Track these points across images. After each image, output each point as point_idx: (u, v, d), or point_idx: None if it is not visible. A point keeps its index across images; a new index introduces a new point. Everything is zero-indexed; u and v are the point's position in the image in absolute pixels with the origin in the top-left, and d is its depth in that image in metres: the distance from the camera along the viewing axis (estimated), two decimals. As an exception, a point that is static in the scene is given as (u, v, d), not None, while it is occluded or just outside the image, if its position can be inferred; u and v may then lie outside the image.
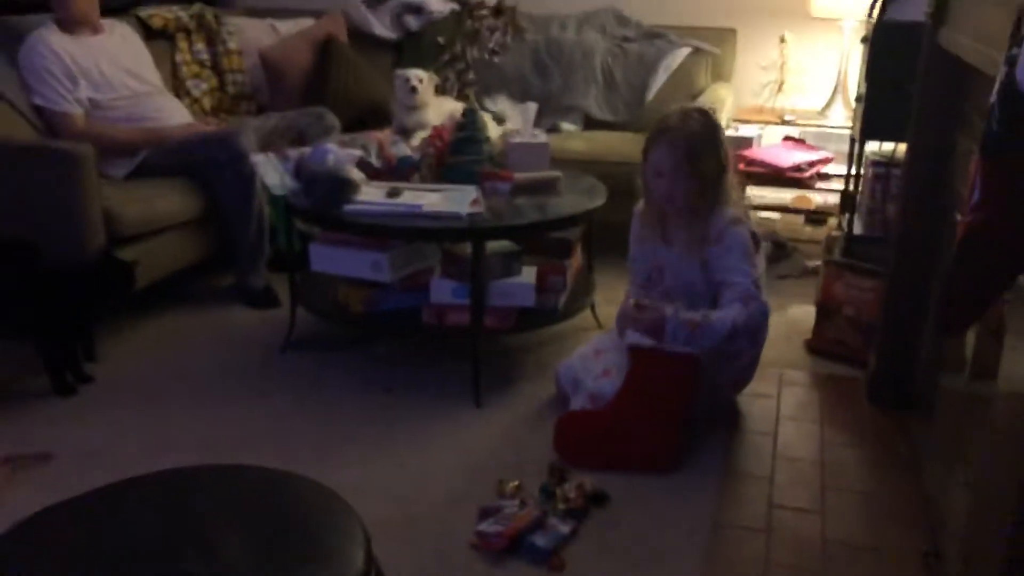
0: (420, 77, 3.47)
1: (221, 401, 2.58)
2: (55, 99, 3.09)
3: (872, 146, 3.16)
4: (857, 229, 3.09)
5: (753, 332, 2.37)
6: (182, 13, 3.95)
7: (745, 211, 2.42)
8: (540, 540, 1.93)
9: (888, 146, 3.07)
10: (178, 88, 3.77)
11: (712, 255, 2.37)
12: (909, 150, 2.50)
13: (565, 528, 1.98)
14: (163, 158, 3.16)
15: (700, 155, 2.31)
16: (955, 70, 2.17)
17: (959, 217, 1.72)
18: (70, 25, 3.18)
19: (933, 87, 2.34)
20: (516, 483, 2.15)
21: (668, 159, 2.33)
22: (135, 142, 3.19)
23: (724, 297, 2.35)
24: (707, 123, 2.36)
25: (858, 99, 3.17)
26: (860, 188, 3.20)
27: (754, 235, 2.40)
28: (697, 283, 2.41)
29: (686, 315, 2.30)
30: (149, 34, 3.74)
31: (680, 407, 2.30)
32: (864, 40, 3.13)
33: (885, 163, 2.96)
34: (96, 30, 3.28)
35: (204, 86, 3.90)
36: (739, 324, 2.29)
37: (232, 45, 4.03)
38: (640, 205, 2.55)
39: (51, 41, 3.12)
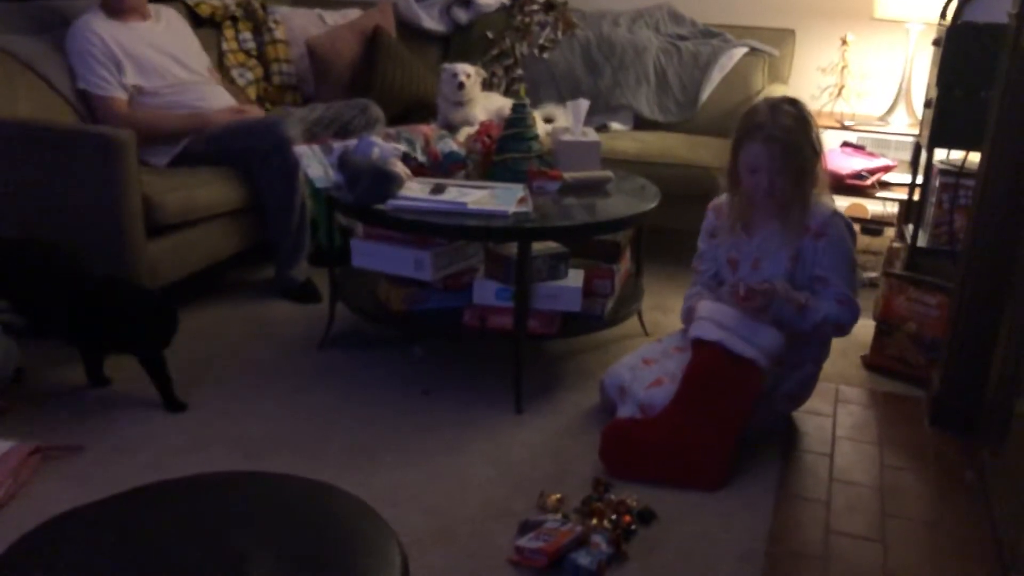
0: (468, 72, 3.39)
1: (255, 397, 2.51)
2: (100, 84, 3.06)
3: (939, 154, 3.01)
4: (921, 241, 2.94)
5: (833, 332, 2.34)
6: (229, 1, 3.90)
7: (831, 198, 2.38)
8: (583, 559, 1.83)
9: (956, 154, 2.92)
10: (223, 77, 3.72)
11: (810, 249, 2.31)
12: (985, 159, 2.36)
13: (609, 547, 1.88)
14: (205, 145, 3.10)
15: (798, 148, 2.25)
16: (1041, 75, 2.03)
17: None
18: (117, 11, 3.14)
19: (1015, 92, 2.20)
20: (558, 496, 2.06)
21: (765, 155, 2.25)
22: (178, 128, 3.14)
23: (819, 293, 2.30)
24: (799, 115, 2.28)
25: (927, 104, 3.03)
26: (925, 198, 3.05)
27: (848, 225, 2.35)
28: (776, 275, 2.32)
29: (793, 294, 2.26)
30: (196, 22, 3.70)
31: (738, 419, 2.19)
32: (936, 43, 2.98)
33: (955, 172, 2.81)
34: (144, 16, 3.24)
35: (249, 75, 3.85)
36: (831, 318, 2.27)
37: (279, 34, 3.98)
38: (719, 200, 2.48)
39: (97, 26, 3.09)
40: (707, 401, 2.17)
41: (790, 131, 2.24)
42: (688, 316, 2.40)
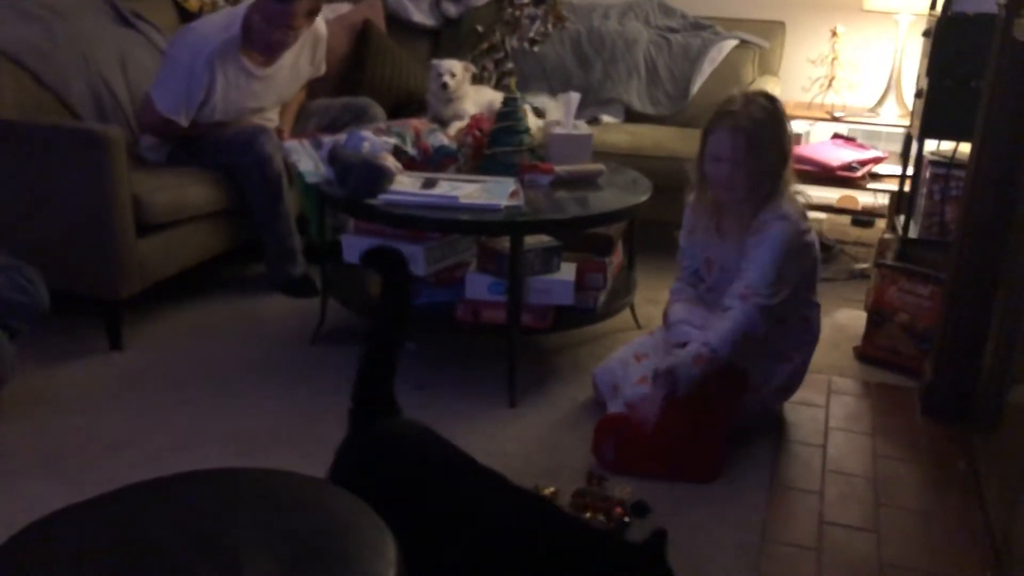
0: (452, 71, 3.36)
1: (248, 393, 2.51)
2: (170, 104, 2.92)
3: (930, 145, 3.01)
4: (912, 232, 2.95)
5: (751, 339, 2.19)
6: (217, -4, 3.88)
7: (801, 210, 2.28)
8: (578, 553, 1.82)
9: (947, 145, 2.92)
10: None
11: (748, 245, 2.22)
12: (976, 149, 2.36)
13: (604, 540, 1.88)
14: (189, 157, 3.03)
15: (763, 143, 2.17)
16: (1031, 65, 2.04)
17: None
18: (258, 48, 2.98)
19: (1005, 82, 2.20)
20: (552, 489, 2.06)
21: (728, 144, 2.17)
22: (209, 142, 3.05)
23: (729, 291, 2.22)
24: (772, 110, 2.21)
25: (917, 95, 3.03)
26: (916, 189, 3.06)
27: (805, 236, 2.25)
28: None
29: (689, 350, 2.16)
30: (183, 16, 3.67)
31: (725, 416, 2.20)
32: (926, 34, 2.99)
33: (945, 163, 2.81)
34: (271, 63, 3.07)
35: (238, 71, 3.82)
36: (737, 332, 2.14)
37: (267, 30, 3.94)
38: (692, 197, 2.39)
39: (217, 60, 2.90)
40: (695, 399, 2.16)
41: (758, 124, 2.16)
42: (666, 320, 2.39)
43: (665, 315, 2.44)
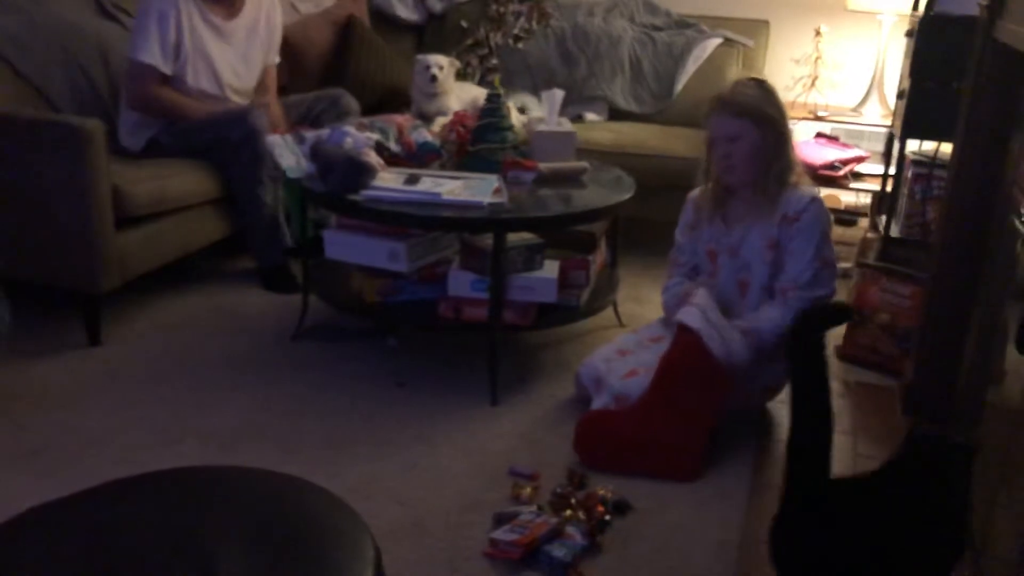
0: (440, 64, 3.36)
1: (227, 389, 2.49)
2: (146, 50, 2.94)
3: (912, 145, 3.03)
4: (894, 231, 2.96)
5: None
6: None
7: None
8: (558, 551, 1.82)
9: (928, 145, 2.94)
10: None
11: (786, 235, 2.29)
12: (957, 149, 2.37)
13: (584, 539, 1.88)
14: (174, 138, 3.04)
15: (754, 115, 2.24)
16: (1012, 65, 2.04)
17: None
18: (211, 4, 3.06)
19: (987, 83, 2.21)
20: (533, 487, 2.05)
21: (720, 123, 2.27)
22: (200, 122, 3.05)
23: (776, 282, 2.31)
24: (761, 87, 2.29)
25: (899, 95, 3.04)
26: (898, 188, 3.07)
27: (826, 212, 2.34)
28: (755, 265, 2.33)
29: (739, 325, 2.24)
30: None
31: (708, 412, 2.20)
32: (909, 34, 3.00)
33: (927, 163, 2.82)
34: (232, 14, 3.15)
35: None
36: (778, 328, 2.24)
37: (250, 23, 3.92)
38: (696, 192, 2.47)
39: (180, 6, 2.97)
40: (679, 392, 2.16)
41: (747, 98, 2.25)
42: (677, 303, 2.38)
43: (675, 299, 2.42)
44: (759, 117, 2.25)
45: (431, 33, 4.22)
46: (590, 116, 3.88)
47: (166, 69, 2.99)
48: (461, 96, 3.47)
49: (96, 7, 3.38)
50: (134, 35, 3.00)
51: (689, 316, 2.21)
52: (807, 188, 2.33)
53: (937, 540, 1.59)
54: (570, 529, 1.89)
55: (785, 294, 2.28)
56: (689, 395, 2.17)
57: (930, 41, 2.75)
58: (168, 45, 2.97)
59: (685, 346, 2.19)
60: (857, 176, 3.63)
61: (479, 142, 2.70)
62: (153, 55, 2.96)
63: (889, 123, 3.58)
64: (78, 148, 2.53)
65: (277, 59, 3.41)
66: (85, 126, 2.55)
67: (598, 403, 2.34)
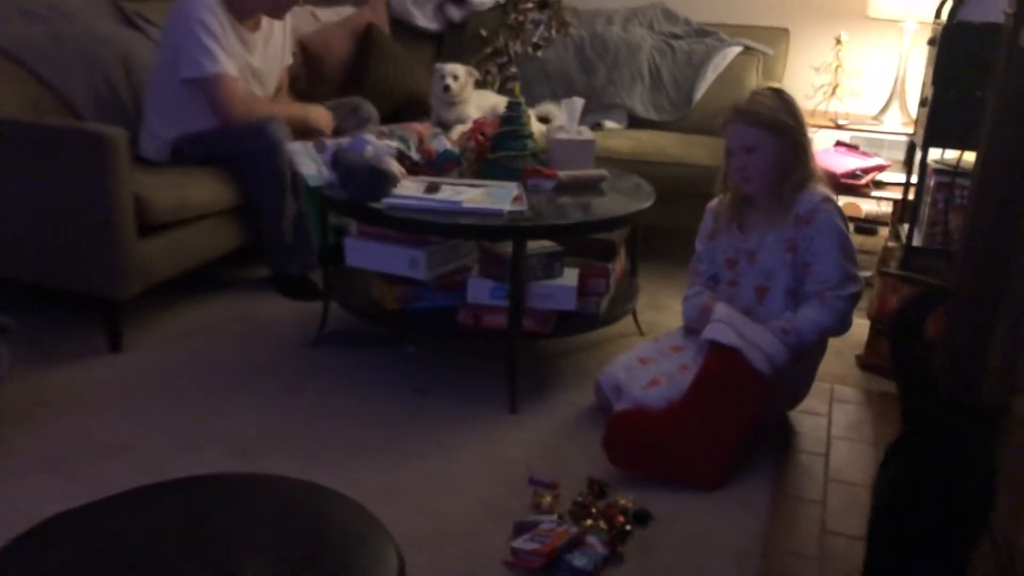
0: (456, 73, 3.37)
1: (249, 396, 2.49)
2: (212, 58, 2.94)
3: (934, 154, 3.01)
4: (916, 240, 2.94)
5: (830, 334, 2.34)
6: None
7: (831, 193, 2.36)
8: (579, 560, 1.82)
9: (950, 154, 2.92)
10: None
11: (802, 237, 2.29)
12: (981, 158, 2.35)
13: (604, 548, 1.87)
14: (194, 147, 3.05)
15: (771, 125, 2.25)
16: (1038, 74, 2.03)
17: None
18: (239, 12, 3.07)
19: (1011, 91, 2.19)
20: (553, 496, 2.04)
21: (738, 135, 2.27)
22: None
23: (806, 286, 2.31)
24: (778, 96, 2.29)
25: (922, 104, 3.02)
26: (920, 197, 3.05)
27: (838, 210, 2.33)
28: (776, 269, 2.33)
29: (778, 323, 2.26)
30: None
31: (746, 425, 2.19)
32: (931, 42, 2.98)
33: (950, 171, 2.80)
34: (255, 28, 3.18)
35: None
36: (815, 329, 2.27)
37: (271, 32, 3.95)
38: (715, 201, 2.49)
39: (216, 10, 2.97)
40: (717, 404, 2.16)
41: (764, 108, 2.25)
42: (699, 315, 2.38)
43: (695, 311, 2.43)
44: (776, 127, 2.25)
45: (450, 41, 4.24)
46: (609, 124, 3.88)
47: (233, 71, 3.02)
48: (480, 104, 3.47)
49: (120, 17, 3.42)
50: (190, 54, 2.95)
51: (721, 334, 2.20)
52: (818, 188, 2.32)
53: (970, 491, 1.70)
54: (591, 538, 1.88)
55: (821, 296, 2.28)
56: (726, 407, 2.16)
57: (953, 49, 2.73)
58: (222, 49, 2.99)
59: (722, 364, 2.18)
60: (878, 185, 3.61)
61: (499, 150, 2.70)
62: (220, 62, 2.97)
63: (910, 132, 3.55)
64: (101, 156, 2.56)
65: (290, 60, 3.46)
66: (108, 134, 2.57)
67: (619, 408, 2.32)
